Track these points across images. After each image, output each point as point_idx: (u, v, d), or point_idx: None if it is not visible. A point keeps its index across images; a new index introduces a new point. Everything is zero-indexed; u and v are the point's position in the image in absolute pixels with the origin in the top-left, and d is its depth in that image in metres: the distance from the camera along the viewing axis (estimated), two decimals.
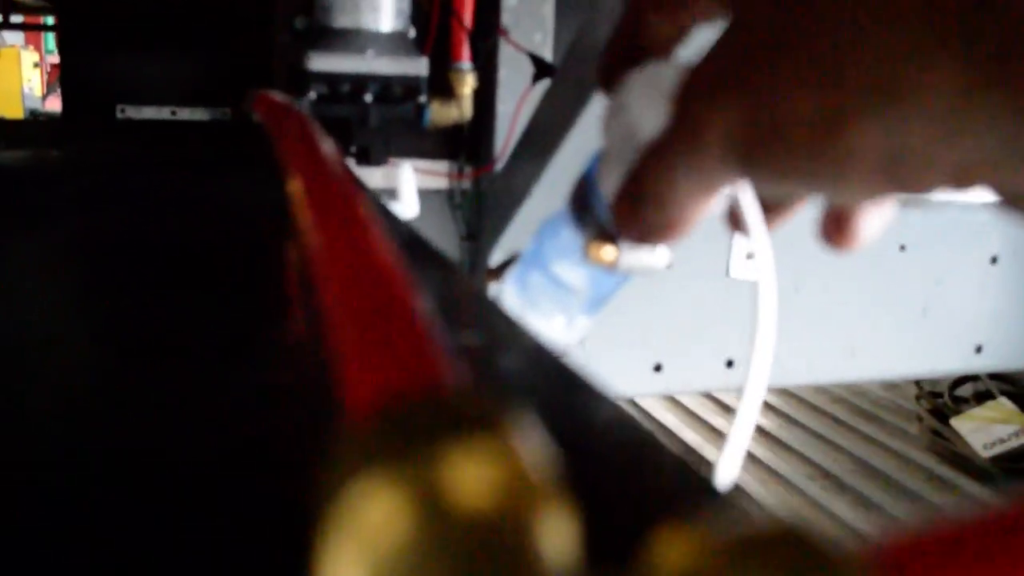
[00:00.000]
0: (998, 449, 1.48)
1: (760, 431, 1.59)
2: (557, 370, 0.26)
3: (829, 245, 0.31)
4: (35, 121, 3.15)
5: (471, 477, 0.11)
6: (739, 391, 0.27)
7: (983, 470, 1.48)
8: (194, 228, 0.44)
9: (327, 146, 0.33)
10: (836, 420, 1.72)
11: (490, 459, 0.13)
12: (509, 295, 0.52)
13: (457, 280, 0.39)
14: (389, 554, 0.11)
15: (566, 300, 0.49)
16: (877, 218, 0.30)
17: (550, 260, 0.48)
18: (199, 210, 0.52)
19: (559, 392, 0.25)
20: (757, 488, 1.48)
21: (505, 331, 0.31)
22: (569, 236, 0.45)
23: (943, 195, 0.22)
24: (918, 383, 1.64)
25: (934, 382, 1.61)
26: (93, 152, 0.85)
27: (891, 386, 1.79)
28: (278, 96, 0.59)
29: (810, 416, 1.73)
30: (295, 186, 0.28)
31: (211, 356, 0.25)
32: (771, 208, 0.32)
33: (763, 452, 1.55)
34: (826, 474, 1.53)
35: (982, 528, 0.12)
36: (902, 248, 1.35)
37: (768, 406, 1.74)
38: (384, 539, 0.11)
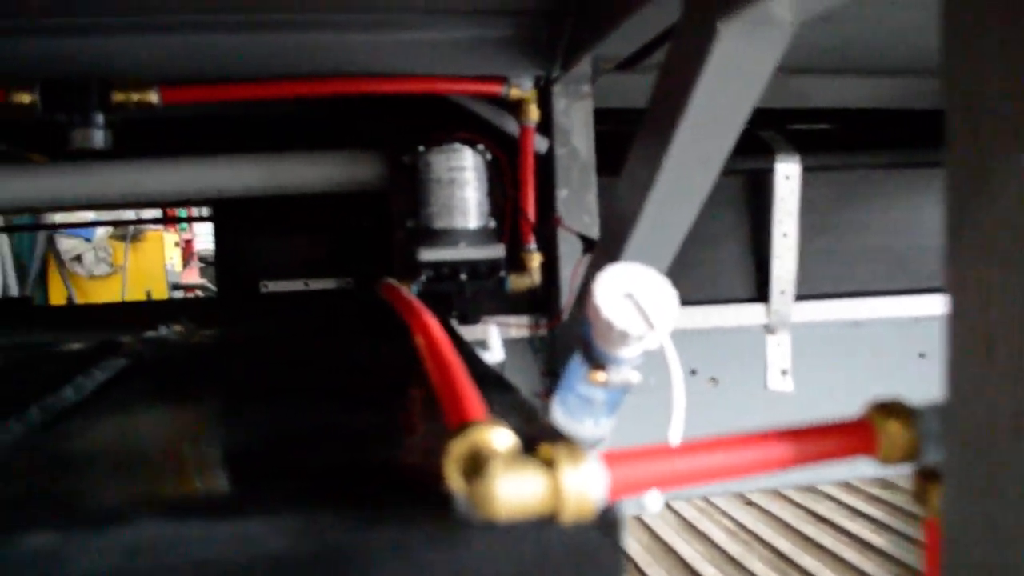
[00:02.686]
0: None
1: (786, 527, 1.59)
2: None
3: None
4: (198, 300, 3.66)
5: (483, 440, 0.42)
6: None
7: None
8: (358, 367, 0.77)
9: (431, 316, 0.66)
10: (870, 519, 1.63)
11: (485, 437, 0.43)
12: (555, 409, 0.83)
13: (512, 394, 0.70)
14: (468, 464, 0.42)
15: (589, 409, 0.79)
16: None
17: (574, 384, 0.78)
18: (359, 356, 0.85)
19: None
20: None
21: (525, 415, 0.60)
22: (582, 368, 0.76)
23: None
24: None
25: None
26: (256, 323, 1.18)
27: None
28: (395, 283, 0.94)
29: (838, 513, 1.65)
30: (417, 339, 0.61)
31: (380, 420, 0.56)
32: None
33: (786, 545, 1.53)
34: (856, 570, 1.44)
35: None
36: (921, 355, 1.54)
37: (794, 503, 1.69)
38: (465, 460, 0.42)
